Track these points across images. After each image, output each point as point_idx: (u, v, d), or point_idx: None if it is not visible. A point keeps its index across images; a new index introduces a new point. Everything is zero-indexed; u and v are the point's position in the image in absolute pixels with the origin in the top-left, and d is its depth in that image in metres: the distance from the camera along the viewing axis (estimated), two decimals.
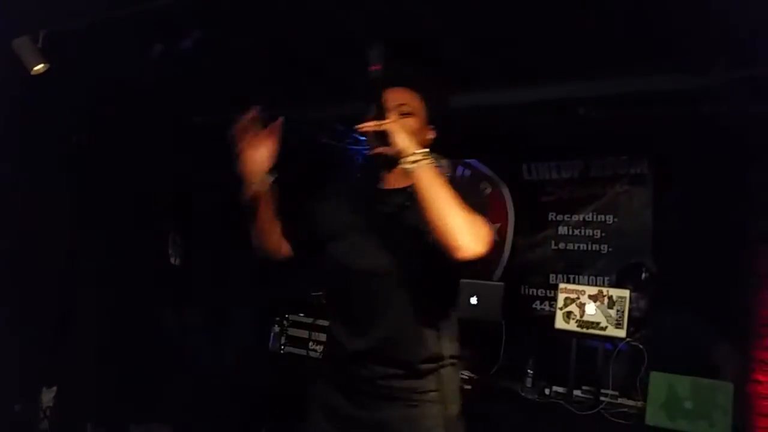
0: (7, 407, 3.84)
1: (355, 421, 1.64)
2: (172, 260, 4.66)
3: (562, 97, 3.81)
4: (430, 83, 1.79)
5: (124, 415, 4.10)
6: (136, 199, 4.39)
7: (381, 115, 1.59)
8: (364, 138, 1.75)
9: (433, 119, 1.78)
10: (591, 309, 3.15)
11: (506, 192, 4.90)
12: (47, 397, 4.06)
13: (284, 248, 1.82)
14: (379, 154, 1.65)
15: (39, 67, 3.44)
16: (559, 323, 3.22)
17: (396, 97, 1.71)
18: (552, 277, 4.51)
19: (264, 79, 3.89)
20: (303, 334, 3.96)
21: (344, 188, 1.93)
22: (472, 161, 5.09)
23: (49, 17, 3.34)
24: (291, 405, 3.99)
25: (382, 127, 1.57)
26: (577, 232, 4.54)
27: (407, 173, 1.55)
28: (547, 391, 3.20)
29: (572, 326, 3.18)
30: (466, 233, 1.51)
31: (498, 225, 4.89)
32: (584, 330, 3.15)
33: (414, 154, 1.53)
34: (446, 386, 1.66)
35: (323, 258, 1.75)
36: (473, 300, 3.43)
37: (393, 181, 1.74)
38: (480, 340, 3.45)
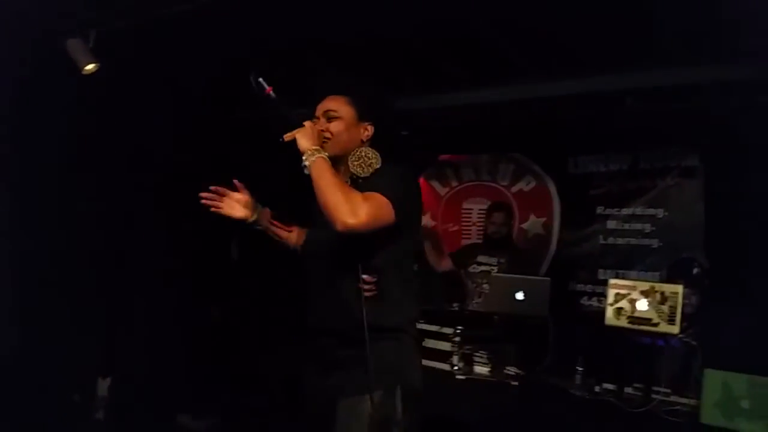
0: (67, 397, 3.98)
1: (317, 388, 1.99)
2: (233, 255, 4.73)
3: (608, 89, 3.74)
4: (355, 88, 2.11)
5: (175, 405, 4.19)
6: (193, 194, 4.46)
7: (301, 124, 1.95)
8: None
9: (367, 116, 2.07)
10: (642, 305, 3.08)
11: (552, 186, 4.84)
12: (103, 387, 4.19)
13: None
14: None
15: (90, 67, 3.52)
16: (610, 319, 3.16)
17: (322, 106, 2.06)
18: (600, 272, 4.44)
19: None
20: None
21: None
22: (517, 154, 5.04)
23: (99, 18, 3.42)
24: None
25: (291, 135, 1.92)
26: (626, 226, 4.46)
27: (338, 170, 1.94)
28: (597, 389, 3.14)
29: (623, 322, 3.12)
30: (342, 209, 1.79)
31: (543, 219, 4.83)
32: (635, 326, 3.09)
33: (307, 151, 1.88)
34: (385, 357, 1.89)
35: None
36: (519, 295, 3.38)
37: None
38: (526, 337, 3.42)
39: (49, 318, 3.73)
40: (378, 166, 1.97)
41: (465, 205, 5.31)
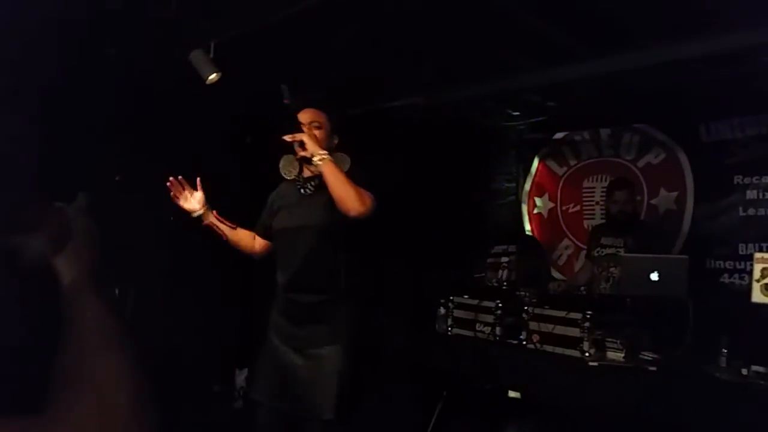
0: (208, 387, 4.26)
1: (293, 336, 2.46)
2: None
3: (741, 46, 3.42)
4: (332, 105, 2.59)
5: None
6: None
7: (298, 129, 2.42)
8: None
9: (338, 129, 2.59)
10: None
11: (683, 157, 4.53)
12: (240, 378, 4.44)
13: (258, 245, 2.75)
14: (300, 156, 2.45)
15: (213, 77, 3.70)
16: (757, 296, 2.91)
17: (308, 116, 2.52)
18: (741, 246, 4.12)
19: (411, 63, 3.92)
20: (469, 315, 3.95)
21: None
22: (642, 126, 4.76)
23: (217, 28, 3.60)
24: (463, 384, 4.06)
25: (298, 138, 2.40)
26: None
27: (315, 167, 2.41)
28: (744, 372, 2.91)
29: None
30: (355, 200, 2.32)
31: (675, 193, 4.53)
32: None
33: (319, 155, 2.37)
34: (341, 312, 2.47)
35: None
36: (654, 276, 3.19)
37: (308, 171, 2.55)
38: (663, 319, 3.23)
39: (192, 315, 4.01)
40: (348, 167, 2.47)
41: (586, 184, 5.10)
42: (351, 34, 3.51)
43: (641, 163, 4.77)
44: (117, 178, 3.95)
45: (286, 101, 2.38)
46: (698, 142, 4.42)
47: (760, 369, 2.90)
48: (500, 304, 3.74)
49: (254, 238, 2.75)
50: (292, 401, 2.42)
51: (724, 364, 2.95)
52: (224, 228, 2.65)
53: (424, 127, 4.81)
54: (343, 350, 2.42)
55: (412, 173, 4.84)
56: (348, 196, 2.31)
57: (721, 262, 4.20)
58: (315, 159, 2.36)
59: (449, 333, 4.04)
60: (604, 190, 4.61)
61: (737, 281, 4.07)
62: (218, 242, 4.04)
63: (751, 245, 4.06)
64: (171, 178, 2.57)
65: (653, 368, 3.04)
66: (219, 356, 4.30)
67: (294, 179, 2.59)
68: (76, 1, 3.05)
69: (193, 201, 2.60)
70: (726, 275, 4.16)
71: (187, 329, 3.94)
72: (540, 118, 5.15)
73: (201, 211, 2.62)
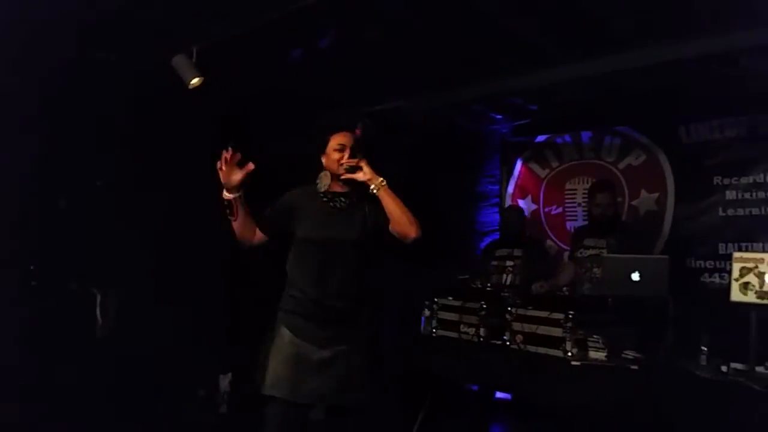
0: (193, 392, 4.24)
1: (317, 336, 2.54)
2: None
3: (719, 50, 3.48)
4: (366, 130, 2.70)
5: None
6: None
7: (354, 156, 2.59)
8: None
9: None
10: None
11: (663, 158, 4.59)
12: (224, 382, 4.43)
13: (256, 237, 2.71)
14: (347, 178, 2.59)
15: (195, 81, 3.70)
16: (736, 295, 2.94)
17: (347, 139, 2.63)
18: (721, 246, 4.18)
19: (396, 67, 3.94)
20: (453, 317, 3.97)
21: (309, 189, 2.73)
22: (623, 128, 4.81)
23: (199, 33, 3.60)
24: (447, 385, 4.07)
25: (360, 164, 2.57)
26: (747, 195, 4.17)
27: (346, 184, 2.62)
28: (724, 369, 2.95)
29: (751, 298, 2.89)
30: (413, 225, 2.52)
31: (656, 194, 4.58)
32: (765, 301, 2.86)
33: (377, 181, 2.54)
34: (364, 313, 2.64)
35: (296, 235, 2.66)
36: (635, 276, 3.21)
37: (340, 188, 2.66)
38: (645, 319, 3.27)
39: (176, 319, 3.99)
40: None
41: (568, 186, 5.15)
42: (336, 38, 3.52)
43: (622, 165, 4.82)
44: (98, 183, 3.93)
45: (357, 131, 2.61)
46: (678, 144, 4.47)
47: (740, 366, 2.94)
48: (484, 306, 3.75)
49: (255, 230, 2.74)
50: (320, 394, 2.53)
51: (704, 362, 2.99)
52: (241, 210, 2.60)
53: (408, 131, 4.83)
54: (366, 345, 2.62)
55: (396, 176, 4.85)
56: (408, 222, 2.51)
57: (702, 262, 4.25)
58: (374, 185, 2.53)
59: (434, 334, 4.05)
60: (586, 192, 4.65)
61: (717, 280, 4.12)
62: (202, 246, 4.05)
63: (730, 245, 4.11)
64: (230, 149, 2.53)
65: (635, 367, 3.07)
66: (203, 361, 4.27)
67: (329, 191, 2.68)
68: (57, 4, 3.03)
69: (236, 175, 2.54)
70: (706, 274, 4.21)
71: (171, 334, 3.92)
72: (523, 122, 5.19)
73: (236, 192, 2.56)
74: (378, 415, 3.99)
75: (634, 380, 3.02)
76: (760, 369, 2.87)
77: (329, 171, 2.65)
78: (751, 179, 4.14)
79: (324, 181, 2.66)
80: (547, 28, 3.53)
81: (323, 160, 2.68)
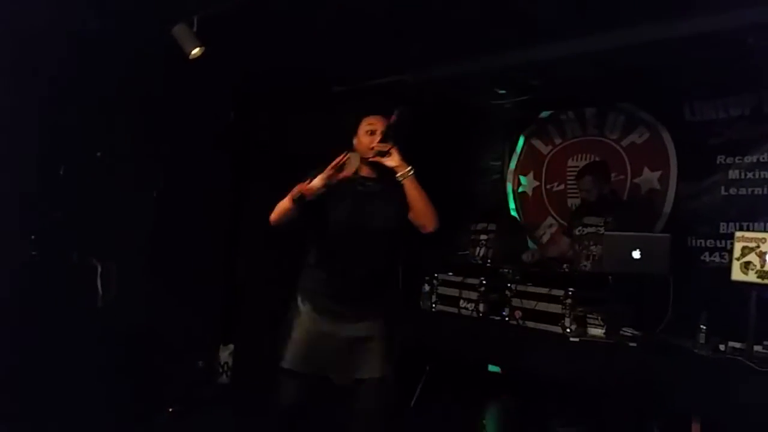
0: (192, 363, 4.27)
1: (342, 314, 2.54)
2: None
3: (726, 27, 3.43)
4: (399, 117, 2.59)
5: None
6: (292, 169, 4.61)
7: (385, 141, 2.52)
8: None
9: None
10: None
11: (667, 136, 4.55)
12: (225, 354, 4.46)
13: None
14: (375, 161, 2.53)
15: (196, 51, 3.65)
16: (737, 274, 2.95)
17: (379, 124, 2.57)
18: (723, 225, 4.16)
19: (398, 40, 3.89)
20: (453, 292, 3.98)
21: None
22: (626, 105, 4.78)
23: (202, 2, 3.54)
24: (446, 361, 4.10)
25: (389, 149, 2.50)
26: (749, 175, 4.14)
27: (374, 168, 2.56)
28: (722, 347, 2.97)
29: (751, 277, 2.90)
30: (433, 219, 2.53)
31: (659, 173, 4.57)
32: (765, 281, 2.87)
33: (405, 169, 2.49)
34: (388, 290, 2.69)
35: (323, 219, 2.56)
36: (636, 254, 3.22)
37: (368, 172, 2.61)
38: (644, 296, 3.28)
39: (176, 290, 4.00)
40: None
41: (570, 163, 5.12)
42: (337, 10, 3.47)
43: (625, 143, 4.79)
44: (98, 154, 3.91)
45: (392, 118, 2.53)
46: (682, 122, 4.44)
47: (737, 345, 2.96)
48: (484, 281, 3.77)
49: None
50: (345, 368, 2.56)
51: (702, 341, 3.01)
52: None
53: (410, 105, 4.78)
54: (389, 325, 2.62)
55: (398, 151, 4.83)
56: (429, 214, 2.52)
57: (703, 241, 4.24)
58: (400, 173, 2.49)
59: (433, 309, 4.07)
60: None
61: (718, 260, 4.12)
62: (202, 217, 4.04)
63: (732, 224, 4.10)
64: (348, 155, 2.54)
65: (633, 344, 3.09)
66: (203, 332, 4.30)
67: (357, 174, 2.63)
68: None
69: (334, 179, 2.50)
70: (707, 254, 4.21)
71: (171, 305, 3.94)
72: (526, 97, 5.15)
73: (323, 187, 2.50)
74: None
75: (632, 357, 3.04)
76: (757, 348, 2.90)
77: (358, 153, 2.61)
78: (754, 158, 4.11)
79: (353, 163, 2.60)
80: (552, 2, 3.48)
81: (354, 141, 2.62)
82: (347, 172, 2.56)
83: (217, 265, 4.39)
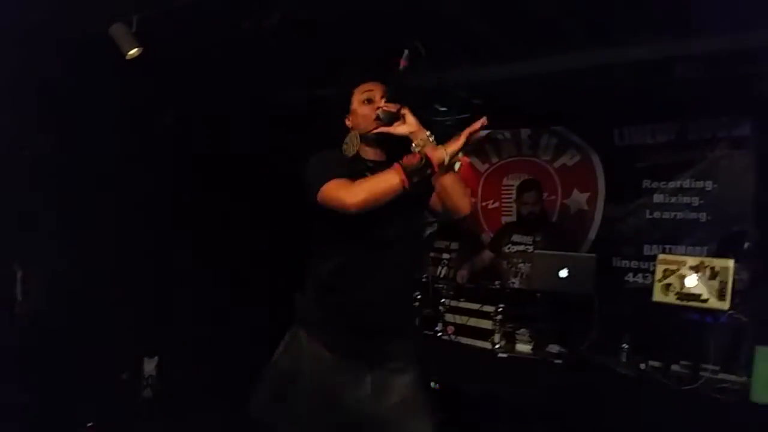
0: (116, 376, 4.11)
1: (364, 351, 1.99)
2: None
3: (656, 57, 3.60)
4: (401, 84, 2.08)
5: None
6: (225, 173, 4.54)
7: (392, 101, 1.96)
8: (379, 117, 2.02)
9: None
10: (692, 281, 2.98)
11: (596, 159, 4.72)
12: (149, 366, 4.31)
13: None
14: (382, 132, 1.99)
15: (133, 52, 3.56)
16: (657, 296, 3.07)
17: (379, 92, 2.07)
18: (647, 248, 4.34)
19: (343, 53, 3.90)
20: None
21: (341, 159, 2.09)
22: (559, 128, 4.93)
23: (141, 2, 3.46)
24: None
25: (399, 109, 1.94)
26: (673, 199, 4.33)
27: (381, 145, 2.03)
28: (642, 366, 3.08)
29: (671, 299, 3.03)
30: (467, 198, 2.02)
31: (587, 194, 4.72)
32: (684, 302, 3.00)
33: (426, 135, 1.93)
34: (413, 320, 2.20)
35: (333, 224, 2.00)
36: (563, 273, 3.32)
37: (373, 154, 2.08)
38: (570, 314, 3.36)
39: (98, 301, 3.85)
40: None
41: (505, 182, 5.24)
42: (280, 17, 3.45)
43: (557, 164, 4.94)
44: (25, 152, 3.74)
45: (403, 63, 1.96)
46: (611, 146, 4.61)
47: (657, 364, 3.08)
48: (419, 296, 3.79)
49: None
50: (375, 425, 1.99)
51: (624, 359, 3.11)
52: None
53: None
54: (418, 361, 2.09)
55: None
56: (464, 193, 2.01)
57: (627, 262, 4.40)
58: (418, 140, 1.92)
59: None
60: None
61: (640, 280, 4.28)
62: (130, 224, 3.90)
63: (655, 246, 4.28)
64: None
65: (559, 361, 3.17)
66: (127, 343, 4.15)
67: (358, 158, 2.07)
68: None
69: None
70: (630, 274, 4.37)
71: (94, 314, 3.79)
72: (465, 115, 5.23)
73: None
74: None
75: (556, 374, 3.11)
76: (675, 367, 3.02)
77: (356, 132, 2.07)
78: (678, 184, 4.31)
79: (353, 143, 2.04)
80: (494, 24, 3.56)
81: (347, 122, 2.12)
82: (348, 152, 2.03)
83: (144, 273, 4.25)
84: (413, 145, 1.91)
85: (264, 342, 4.29)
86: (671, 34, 3.41)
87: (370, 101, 2.05)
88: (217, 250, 4.46)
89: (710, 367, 2.96)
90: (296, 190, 2.07)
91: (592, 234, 4.65)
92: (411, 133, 1.93)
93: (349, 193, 1.88)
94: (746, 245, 3.68)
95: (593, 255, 3.58)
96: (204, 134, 4.49)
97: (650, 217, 4.40)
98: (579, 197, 4.78)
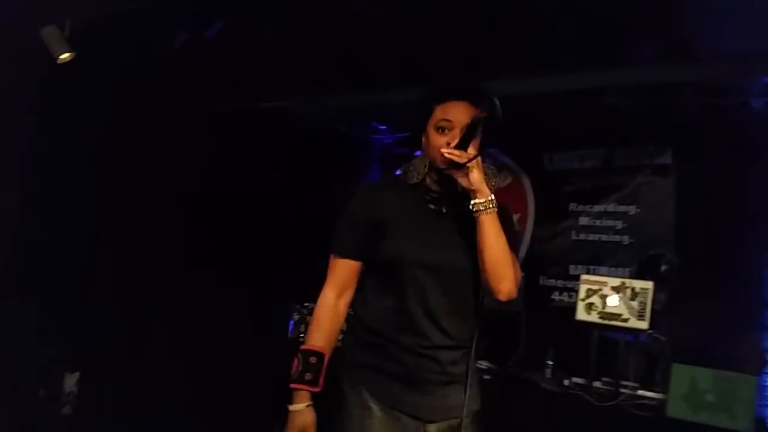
0: (33, 392, 3.91)
1: (416, 405, 1.75)
2: None
3: (584, 87, 3.77)
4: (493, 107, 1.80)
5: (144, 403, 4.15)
6: (160, 186, 4.41)
7: (464, 146, 1.70)
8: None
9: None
10: (613, 300, 3.12)
11: (527, 182, 4.87)
12: (70, 382, 4.13)
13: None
14: (450, 175, 1.75)
15: (65, 56, 3.46)
16: (581, 314, 3.19)
17: (465, 114, 1.79)
18: (572, 268, 4.49)
19: (286, 68, 3.91)
20: None
21: (390, 182, 1.99)
22: (493, 150, 5.06)
23: (76, 6, 3.37)
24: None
25: (466, 161, 1.69)
26: (598, 222, 4.50)
27: (442, 180, 1.78)
28: (566, 382, 3.18)
29: (594, 318, 3.15)
30: (510, 280, 1.73)
31: (518, 215, 4.86)
32: (606, 321, 3.13)
33: (487, 196, 1.71)
34: (472, 367, 1.83)
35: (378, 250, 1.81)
36: None
37: (434, 183, 1.85)
38: (499, 331, 3.44)
39: (15, 312, 3.67)
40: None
41: None
42: (223, 30, 3.43)
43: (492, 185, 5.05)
44: None
45: (481, 114, 1.72)
46: (541, 170, 4.77)
47: (580, 381, 3.18)
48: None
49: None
50: None
51: (549, 375, 3.21)
52: None
53: (293, 132, 4.78)
54: (481, 415, 1.86)
55: (278, 177, 4.79)
56: (502, 271, 1.72)
57: (553, 281, 4.54)
58: (478, 201, 1.71)
59: (301, 339, 4.03)
60: None
61: (566, 299, 4.43)
62: (54, 231, 3.74)
63: (580, 267, 4.44)
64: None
65: (487, 377, 3.23)
66: (46, 358, 3.95)
67: (422, 184, 1.86)
68: None
69: None
70: (557, 293, 4.51)
71: (11, 327, 3.60)
72: (404, 135, 5.31)
73: None
74: (234, 422, 3.92)
75: (485, 389, 3.17)
76: (597, 384, 3.13)
77: (426, 156, 1.84)
78: (602, 207, 4.48)
79: (418, 170, 1.83)
80: (431, 47, 3.65)
81: (422, 138, 1.87)
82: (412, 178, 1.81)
83: (65, 284, 4.07)
84: (472, 203, 1.71)
85: (186, 360, 4.20)
86: (600, 65, 3.58)
87: (443, 130, 1.79)
88: (142, 261, 4.33)
89: (630, 383, 3.09)
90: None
91: (522, 253, 4.77)
92: (472, 188, 1.71)
93: (323, 296, 1.89)
94: (664, 268, 3.86)
95: (521, 273, 3.68)
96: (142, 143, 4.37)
97: (576, 238, 4.56)
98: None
